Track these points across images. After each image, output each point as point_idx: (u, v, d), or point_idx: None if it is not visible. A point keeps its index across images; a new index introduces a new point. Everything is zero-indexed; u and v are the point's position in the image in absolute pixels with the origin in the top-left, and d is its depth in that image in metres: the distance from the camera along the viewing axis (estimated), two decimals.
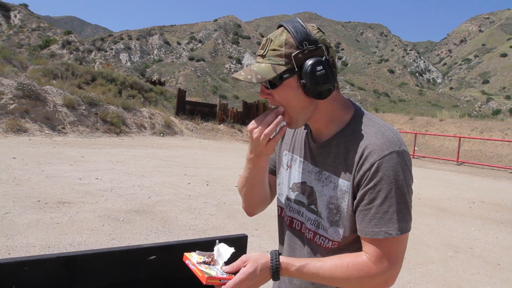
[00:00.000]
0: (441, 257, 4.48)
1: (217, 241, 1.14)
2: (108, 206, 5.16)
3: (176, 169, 8.80)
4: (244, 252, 1.57)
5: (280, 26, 1.02)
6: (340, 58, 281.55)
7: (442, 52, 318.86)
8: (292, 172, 1.20)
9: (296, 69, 0.98)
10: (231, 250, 1.08)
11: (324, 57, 0.99)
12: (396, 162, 0.96)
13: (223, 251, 1.09)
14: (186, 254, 1.10)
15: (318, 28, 1.02)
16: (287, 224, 1.22)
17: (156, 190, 6.45)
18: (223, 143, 18.26)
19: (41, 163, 7.82)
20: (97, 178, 6.87)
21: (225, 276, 1.01)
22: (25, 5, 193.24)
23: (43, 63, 24.54)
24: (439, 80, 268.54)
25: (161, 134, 18.05)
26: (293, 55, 0.97)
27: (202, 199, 6.12)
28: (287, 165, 1.22)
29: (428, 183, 10.42)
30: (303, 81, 0.98)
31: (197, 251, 1.12)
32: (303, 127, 1.21)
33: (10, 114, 13.57)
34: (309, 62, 0.97)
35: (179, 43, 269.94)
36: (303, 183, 1.15)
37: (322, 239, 1.09)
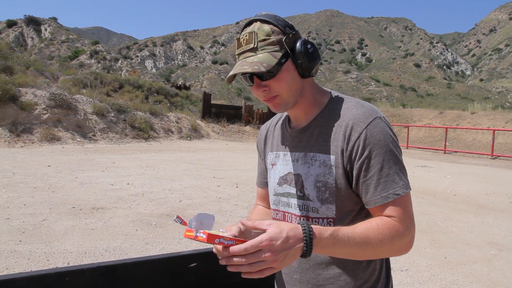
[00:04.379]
0: (484, 256, 4.28)
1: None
2: (140, 211, 5.21)
3: (204, 172, 8.83)
4: None
5: (252, 21, 1.05)
6: (364, 54, 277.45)
7: (470, 43, 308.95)
8: (277, 168, 1.19)
9: (289, 52, 1.03)
10: (213, 217, 0.97)
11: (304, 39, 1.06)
12: (382, 127, 1.01)
13: (205, 220, 0.96)
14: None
15: None
16: (282, 219, 1.17)
17: (187, 193, 6.47)
18: (249, 145, 18.25)
19: (74, 170, 8.01)
20: (129, 184, 6.96)
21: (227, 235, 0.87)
22: (55, 18, 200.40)
23: (73, 73, 25.26)
24: (468, 72, 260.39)
25: (188, 138, 18.24)
26: (283, 40, 1.02)
27: (232, 202, 6.10)
28: (272, 164, 1.22)
29: (462, 178, 10.05)
30: (299, 61, 1.03)
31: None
32: (277, 123, 1.27)
33: (44, 124, 14.03)
34: (299, 42, 1.04)
35: (202, 47, 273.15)
36: (288, 173, 1.14)
37: (316, 221, 1.07)
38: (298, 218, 1.10)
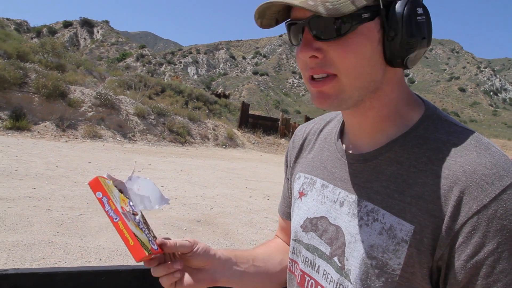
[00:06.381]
0: None
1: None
2: (172, 215, 5.30)
3: (237, 182, 8.88)
4: None
5: None
6: (406, 75, 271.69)
7: None
8: (306, 202, 0.78)
9: (382, 8, 0.59)
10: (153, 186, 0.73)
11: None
12: None
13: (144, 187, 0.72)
14: (101, 181, 0.69)
15: None
16: (298, 281, 0.79)
17: (218, 201, 6.53)
18: (284, 157, 18.20)
19: (113, 168, 8.28)
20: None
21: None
22: (107, 22, 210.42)
23: (119, 75, 26.34)
24: None
25: (224, 146, 18.44)
26: None
27: (263, 214, 6.09)
28: (299, 193, 0.81)
29: None
30: (392, 30, 0.59)
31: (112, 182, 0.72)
32: (323, 130, 0.84)
33: (88, 121, 14.65)
34: (405, 0, 0.59)
35: (244, 58, 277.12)
36: (321, 218, 0.73)
37: None
38: None
